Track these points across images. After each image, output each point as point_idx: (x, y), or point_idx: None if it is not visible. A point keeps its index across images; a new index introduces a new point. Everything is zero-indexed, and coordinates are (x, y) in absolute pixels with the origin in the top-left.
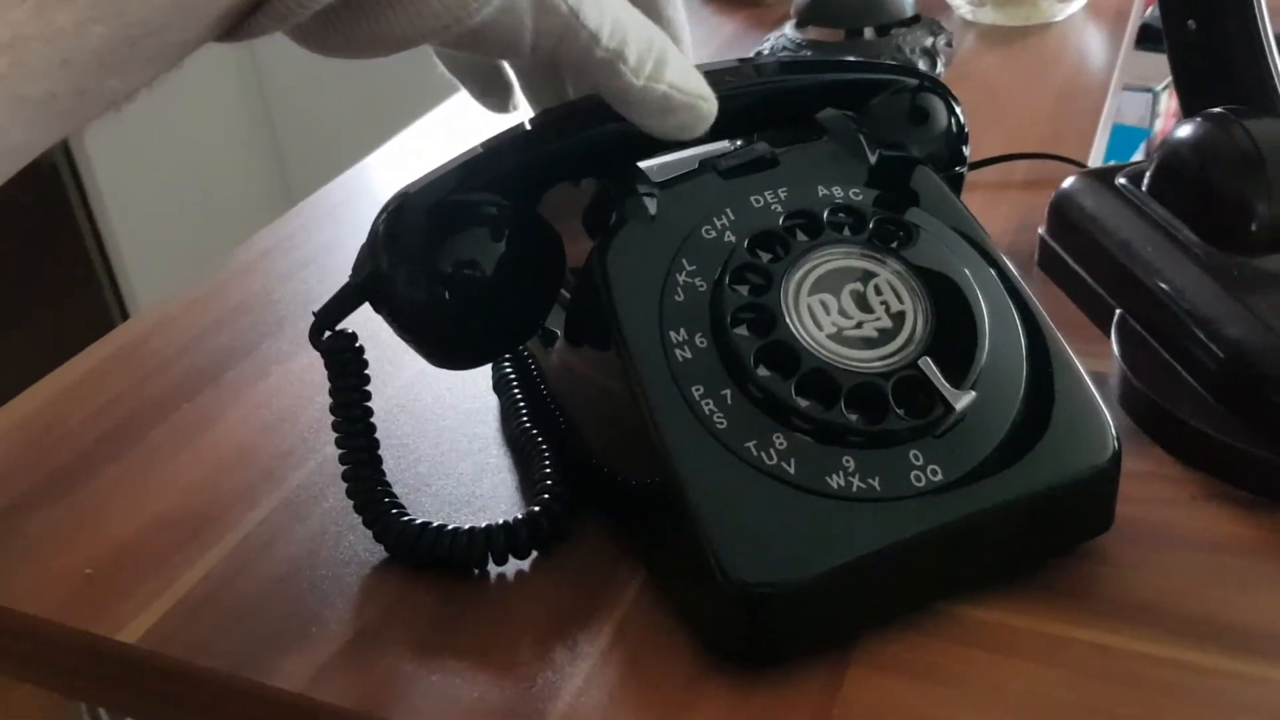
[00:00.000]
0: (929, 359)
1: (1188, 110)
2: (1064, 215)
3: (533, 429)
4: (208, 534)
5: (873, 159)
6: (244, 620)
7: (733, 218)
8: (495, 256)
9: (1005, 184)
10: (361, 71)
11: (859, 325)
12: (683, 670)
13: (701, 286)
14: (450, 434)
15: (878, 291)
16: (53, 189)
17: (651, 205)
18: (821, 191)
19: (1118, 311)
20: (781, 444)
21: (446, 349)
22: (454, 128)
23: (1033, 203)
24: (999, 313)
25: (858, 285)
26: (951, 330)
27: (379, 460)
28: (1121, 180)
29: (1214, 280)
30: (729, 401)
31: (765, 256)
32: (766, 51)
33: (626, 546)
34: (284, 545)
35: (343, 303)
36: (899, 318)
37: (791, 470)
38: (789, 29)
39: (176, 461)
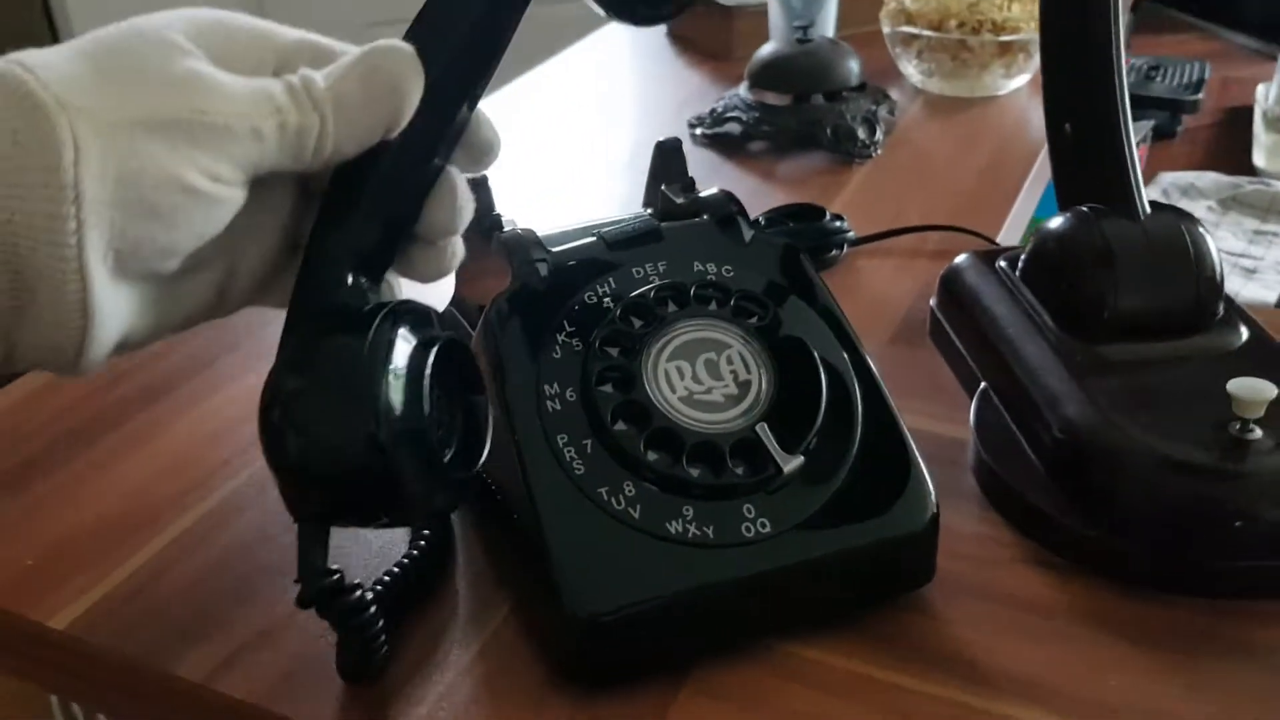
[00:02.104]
0: (765, 425)
1: (1062, 205)
2: (950, 290)
3: None
4: (141, 535)
5: (746, 239)
6: (162, 614)
7: (613, 285)
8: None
9: (918, 252)
10: (366, 35)
11: (709, 390)
12: (531, 687)
13: (577, 346)
14: None
15: (729, 361)
16: None
17: (543, 269)
18: (697, 266)
19: (982, 384)
20: (630, 491)
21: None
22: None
23: (939, 273)
24: (841, 386)
25: (712, 354)
26: (793, 400)
27: None
28: (1001, 263)
29: (1062, 363)
30: (588, 451)
31: (637, 323)
32: (719, 110)
33: (503, 575)
34: (207, 549)
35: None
36: (745, 386)
37: (636, 515)
38: (742, 89)
39: (122, 467)
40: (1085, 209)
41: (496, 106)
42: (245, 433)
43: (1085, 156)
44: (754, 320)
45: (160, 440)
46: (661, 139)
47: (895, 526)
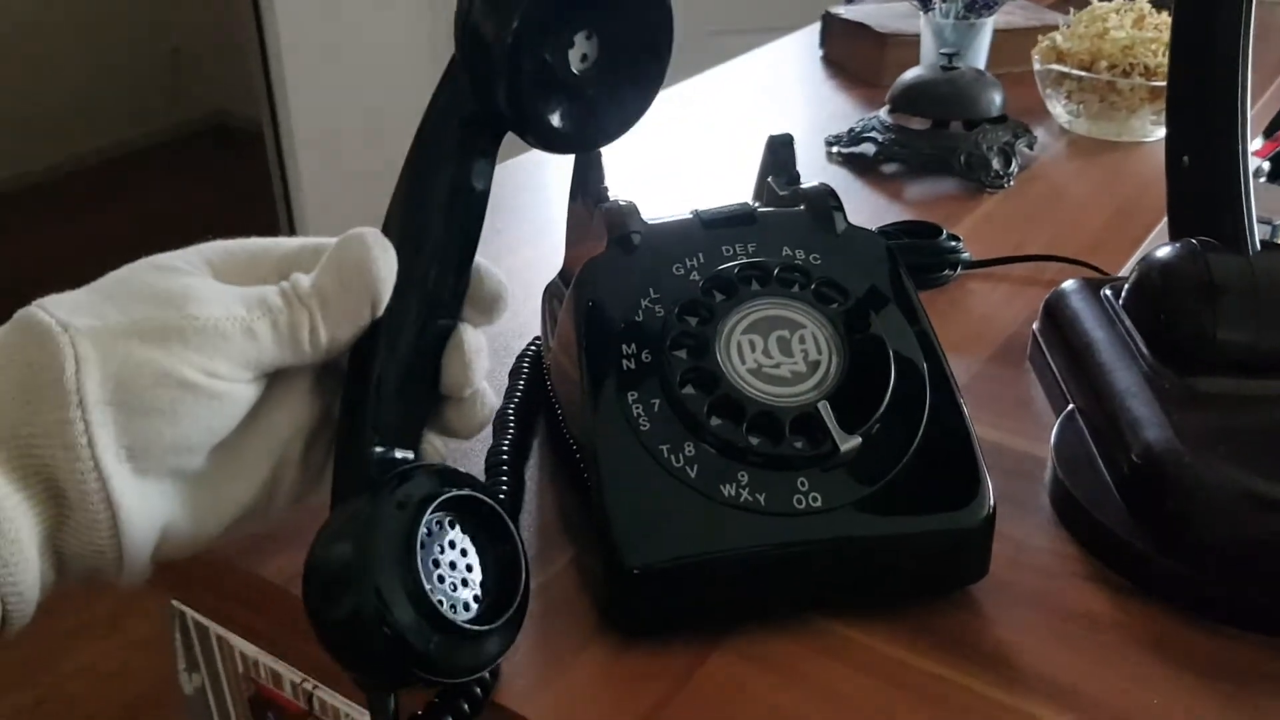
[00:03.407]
0: (828, 403)
1: (1174, 237)
2: (1052, 314)
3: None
4: None
5: (839, 231)
6: None
7: (701, 260)
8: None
9: (1033, 281)
10: None
11: (778, 365)
12: (577, 631)
13: (659, 313)
14: None
15: (801, 341)
16: (258, 153)
17: (636, 239)
18: (785, 251)
19: (1069, 406)
20: (690, 451)
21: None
22: (633, 135)
23: None
24: (912, 379)
25: (785, 332)
26: (860, 385)
27: None
28: (1106, 291)
29: (1150, 391)
30: (655, 409)
31: (719, 296)
32: (857, 130)
33: (569, 524)
34: None
35: None
36: (814, 365)
37: (693, 474)
38: (883, 113)
39: None
40: (1193, 241)
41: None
42: None
43: (1200, 190)
44: (834, 306)
45: None
46: (774, 134)
47: (948, 520)
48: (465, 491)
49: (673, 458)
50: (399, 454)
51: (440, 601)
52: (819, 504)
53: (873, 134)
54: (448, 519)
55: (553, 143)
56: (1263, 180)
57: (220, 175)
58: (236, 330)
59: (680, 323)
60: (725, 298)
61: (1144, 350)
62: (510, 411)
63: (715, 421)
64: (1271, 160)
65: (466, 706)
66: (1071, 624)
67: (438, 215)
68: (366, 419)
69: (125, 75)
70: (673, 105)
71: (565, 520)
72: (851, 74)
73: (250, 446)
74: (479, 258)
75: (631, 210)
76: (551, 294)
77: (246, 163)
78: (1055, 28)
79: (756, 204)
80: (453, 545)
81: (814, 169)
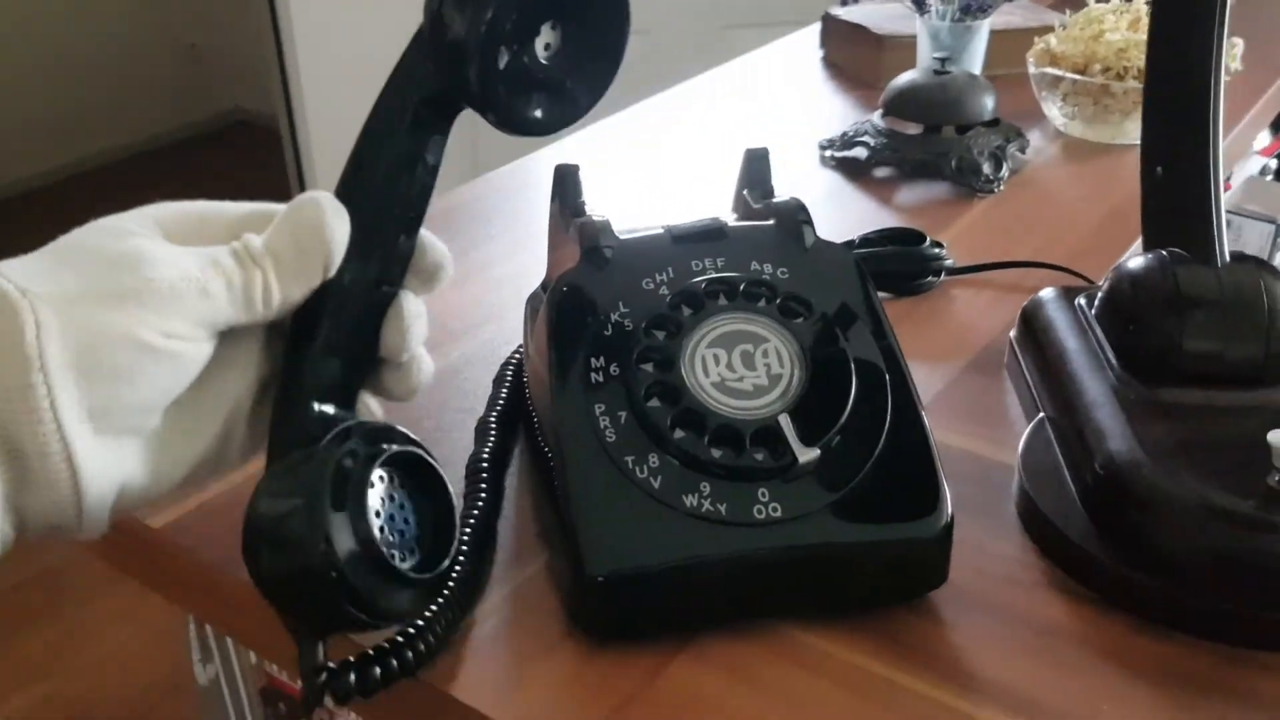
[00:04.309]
0: (788, 416)
1: (1147, 248)
2: (1028, 322)
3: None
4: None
5: (808, 245)
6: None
7: (671, 274)
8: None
9: (1016, 288)
10: None
11: (740, 379)
12: (547, 634)
13: (629, 327)
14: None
15: (765, 355)
16: (274, 150)
17: (609, 254)
18: (754, 265)
19: (1040, 414)
20: (654, 463)
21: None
22: (632, 137)
23: None
24: (874, 395)
25: (749, 346)
26: (821, 398)
27: None
28: (1080, 300)
29: (1116, 401)
30: (621, 422)
31: (686, 310)
32: (850, 134)
33: (543, 529)
34: None
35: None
36: (776, 379)
37: (656, 485)
38: (876, 116)
39: None
40: (1164, 253)
41: (645, 112)
42: None
43: (1172, 200)
44: (798, 321)
45: None
46: (752, 147)
47: (907, 530)
48: (413, 450)
49: (637, 469)
50: (335, 412)
51: (386, 548)
52: (779, 514)
53: (865, 138)
54: (390, 473)
55: (513, 124)
56: (1269, 178)
57: (238, 172)
58: (191, 290)
59: (647, 337)
60: (692, 312)
61: (1112, 360)
62: (492, 420)
63: (679, 434)
64: (1278, 158)
65: (397, 664)
66: (1030, 632)
67: (390, 185)
68: (307, 377)
69: (144, 72)
70: (673, 105)
71: (541, 526)
72: (851, 76)
73: (203, 404)
74: (424, 230)
75: (604, 225)
76: (533, 304)
77: (264, 159)
78: (1053, 29)
79: (735, 217)
80: (393, 499)
81: (807, 173)
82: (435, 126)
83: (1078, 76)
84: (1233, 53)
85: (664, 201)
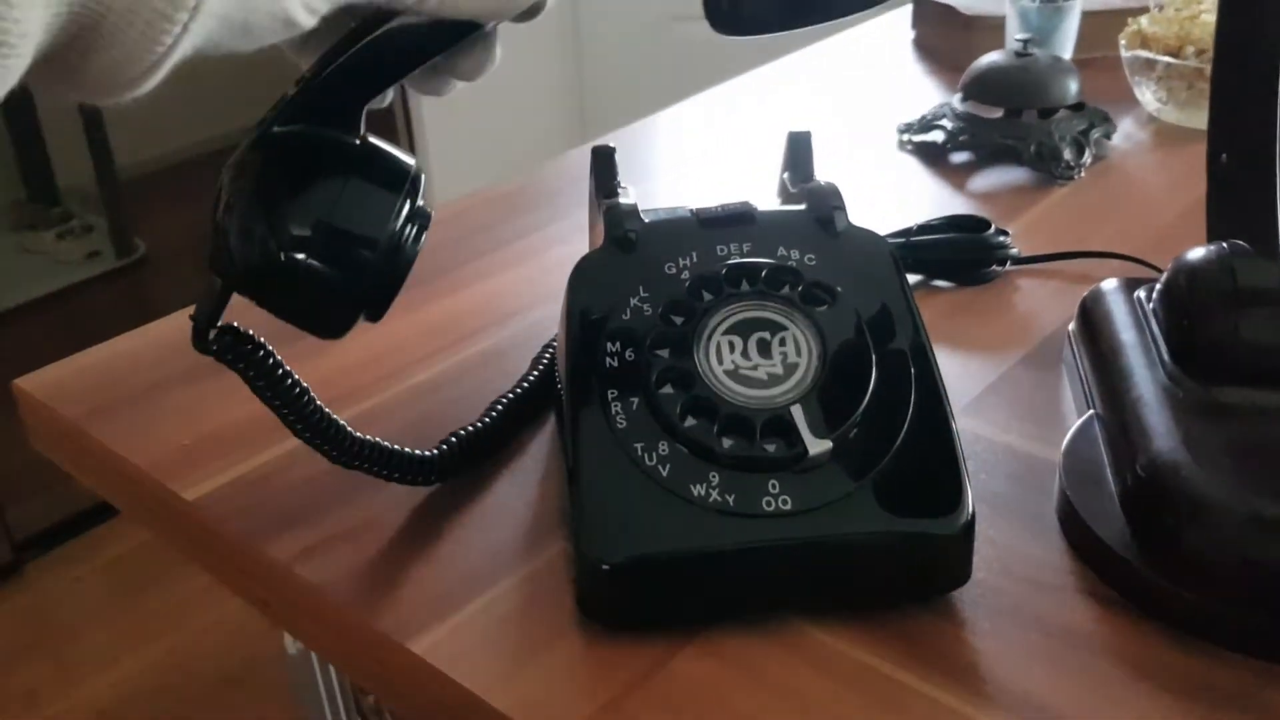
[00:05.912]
0: (800, 406)
1: (1211, 237)
2: (1087, 314)
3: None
4: (282, 432)
5: (839, 230)
6: (276, 501)
7: (695, 259)
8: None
9: (1086, 278)
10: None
11: (755, 367)
12: (556, 620)
13: (647, 312)
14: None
15: (781, 343)
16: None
17: (634, 237)
18: (781, 251)
19: (1089, 411)
20: (663, 450)
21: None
22: (737, 104)
23: None
24: (897, 386)
25: (765, 334)
26: (839, 389)
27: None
28: (1140, 293)
29: (1166, 399)
30: (633, 408)
31: (707, 296)
32: (928, 117)
33: (563, 514)
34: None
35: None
36: (791, 368)
37: (664, 473)
38: (955, 100)
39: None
40: (1223, 245)
41: (733, 92)
42: (392, 362)
43: (1238, 190)
44: (821, 309)
45: (322, 358)
46: (795, 130)
47: (921, 526)
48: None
49: (646, 456)
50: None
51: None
52: (788, 506)
53: (943, 121)
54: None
55: None
56: None
57: None
58: None
59: (664, 322)
60: (711, 298)
61: (1165, 357)
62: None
63: (689, 422)
64: None
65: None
66: (1055, 639)
67: None
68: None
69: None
70: (763, 83)
71: (563, 511)
72: (940, 58)
73: None
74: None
75: (631, 209)
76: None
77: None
78: (1148, 9)
79: (779, 200)
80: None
81: (882, 156)
82: None
83: (1170, 59)
84: None
85: (741, 182)
